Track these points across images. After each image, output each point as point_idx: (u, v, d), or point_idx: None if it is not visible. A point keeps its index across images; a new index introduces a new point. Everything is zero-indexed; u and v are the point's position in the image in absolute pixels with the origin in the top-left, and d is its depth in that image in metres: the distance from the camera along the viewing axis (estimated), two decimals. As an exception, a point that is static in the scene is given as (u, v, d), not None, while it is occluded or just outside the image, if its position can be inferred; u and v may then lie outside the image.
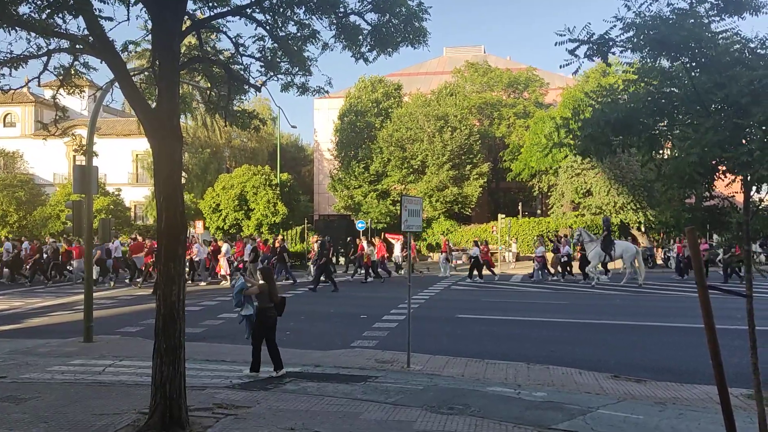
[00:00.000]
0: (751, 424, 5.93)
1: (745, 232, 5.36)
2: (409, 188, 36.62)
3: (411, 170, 36.92)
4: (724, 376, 4.77)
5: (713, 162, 4.99)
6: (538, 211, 42.48)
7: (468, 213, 37.75)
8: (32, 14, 6.80)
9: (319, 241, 22.65)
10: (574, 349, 11.24)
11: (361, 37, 7.97)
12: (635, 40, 5.00)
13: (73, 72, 8.04)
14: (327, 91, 9.24)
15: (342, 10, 7.67)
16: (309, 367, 9.58)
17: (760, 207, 5.66)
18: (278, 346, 11.67)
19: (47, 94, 38.65)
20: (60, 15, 6.79)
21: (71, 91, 8.32)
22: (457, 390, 8.15)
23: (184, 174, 37.47)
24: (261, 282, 9.48)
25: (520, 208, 38.85)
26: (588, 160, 29.28)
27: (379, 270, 25.22)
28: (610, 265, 24.40)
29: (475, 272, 24.42)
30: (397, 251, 28.75)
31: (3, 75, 7.52)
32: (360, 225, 33.94)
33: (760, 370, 5.37)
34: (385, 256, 26.78)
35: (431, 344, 11.38)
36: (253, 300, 9.55)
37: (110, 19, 7.03)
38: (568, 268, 24.46)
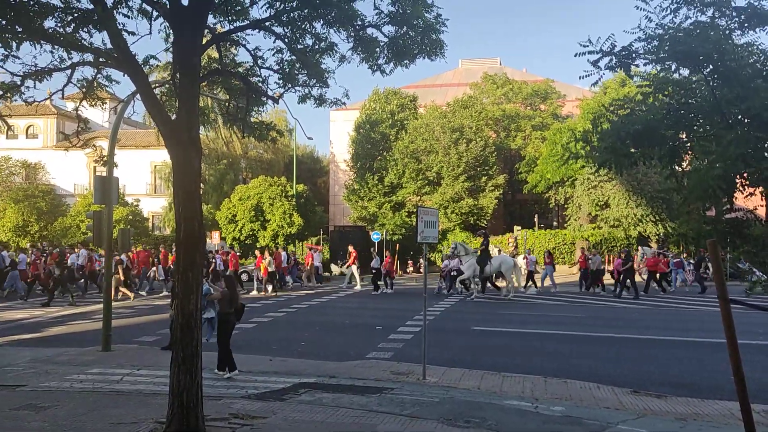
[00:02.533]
0: (775, 441, 5.82)
1: None
2: (424, 200, 36.58)
3: (426, 182, 36.92)
4: (747, 392, 4.68)
5: (736, 175, 4.94)
6: (555, 223, 42.21)
7: (483, 225, 37.60)
8: (57, 28, 6.94)
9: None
10: (590, 362, 11.11)
11: (378, 49, 8.01)
12: (659, 52, 4.98)
13: (95, 85, 8.17)
14: (344, 103, 9.28)
15: (359, 23, 7.72)
16: (324, 378, 9.57)
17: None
18: (293, 357, 11.74)
19: (69, 106, 39.32)
20: (84, 29, 6.92)
21: (93, 103, 8.45)
22: (474, 403, 8.09)
23: (201, 185, 37.70)
24: (224, 289, 10.10)
25: (536, 220, 38.63)
26: (605, 172, 29.02)
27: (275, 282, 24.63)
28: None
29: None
30: (316, 261, 28.93)
31: (27, 87, 7.67)
32: (375, 236, 33.99)
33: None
34: (289, 266, 26.41)
35: (447, 356, 11.31)
36: (216, 305, 10.07)
37: (133, 33, 7.16)
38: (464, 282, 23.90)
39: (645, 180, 30.51)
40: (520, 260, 26.09)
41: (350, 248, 27.31)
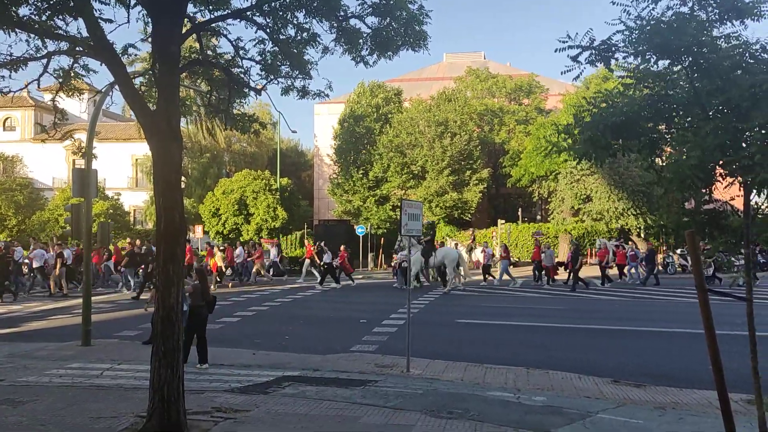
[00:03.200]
0: (752, 429, 5.91)
1: (745, 235, 5.35)
2: (408, 194, 36.61)
3: (411, 176, 36.97)
4: (724, 381, 4.75)
5: (713, 165, 5.00)
6: (538, 217, 42.51)
7: (468, 218, 37.76)
8: (32, 16, 6.81)
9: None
10: (572, 353, 11.22)
11: (361, 40, 7.97)
12: (637, 45, 5.02)
13: (72, 74, 8.04)
14: (327, 95, 9.26)
15: (342, 13, 7.68)
16: (308, 371, 9.56)
17: (759, 211, 5.64)
18: (277, 350, 11.72)
19: (47, 98, 38.74)
20: (60, 17, 6.80)
21: (71, 93, 8.32)
22: (457, 394, 8.13)
23: (183, 178, 37.35)
24: (195, 282, 10.26)
25: (520, 213, 38.87)
26: (588, 166, 29.31)
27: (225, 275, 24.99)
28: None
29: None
30: (272, 256, 29.10)
31: (2, 77, 7.53)
32: (360, 230, 33.97)
33: (760, 375, 5.35)
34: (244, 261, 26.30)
35: (431, 349, 11.35)
36: (187, 299, 10.17)
37: (110, 21, 7.05)
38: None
39: (626, 174, 30.81)
40: (478, 253, 26.21)
41: (306, 242, 27.22)
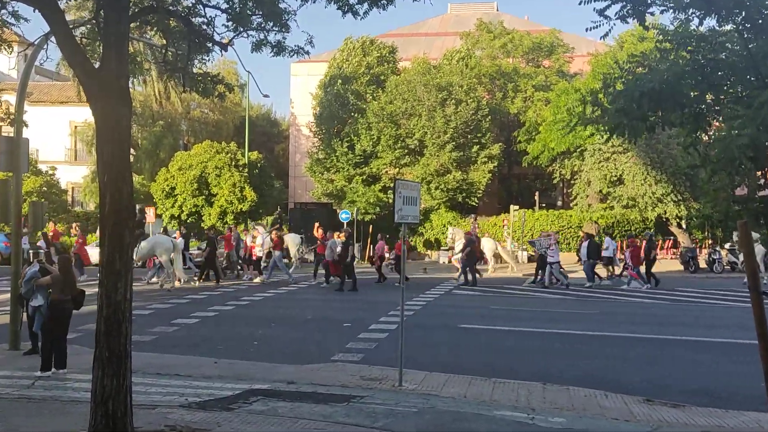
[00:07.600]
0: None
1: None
2: (403, 172, 36.57)
3: (406, 151, 36.88)
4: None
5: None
6: (559, 203, 42.67)
7: (474, 203, 37.80)
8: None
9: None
10: (593, 364, 11.36)
11: (349, -16, 7.93)
12: (679, -1, 5.02)
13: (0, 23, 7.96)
14: (308, 53, 9.18)
15: (327, -49, 7.64)
16: (281, 384, 9.61)
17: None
18: (243, 358, 11.73)
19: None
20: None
21: (-3, 46, 8.25)
22: (459, 413, 8.20)
23: (132, 150, 37.16)
24: (55, 272, 10.47)
25: (537, 198, 38.96)
26: (619, 142, 29.28)
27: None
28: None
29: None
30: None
31: None
32: (344, 216, 33.90)
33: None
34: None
35: (428, 358, 11.43)
36: (46, 291, 10.62)
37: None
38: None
39: (666, 152, 30.84)
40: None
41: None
